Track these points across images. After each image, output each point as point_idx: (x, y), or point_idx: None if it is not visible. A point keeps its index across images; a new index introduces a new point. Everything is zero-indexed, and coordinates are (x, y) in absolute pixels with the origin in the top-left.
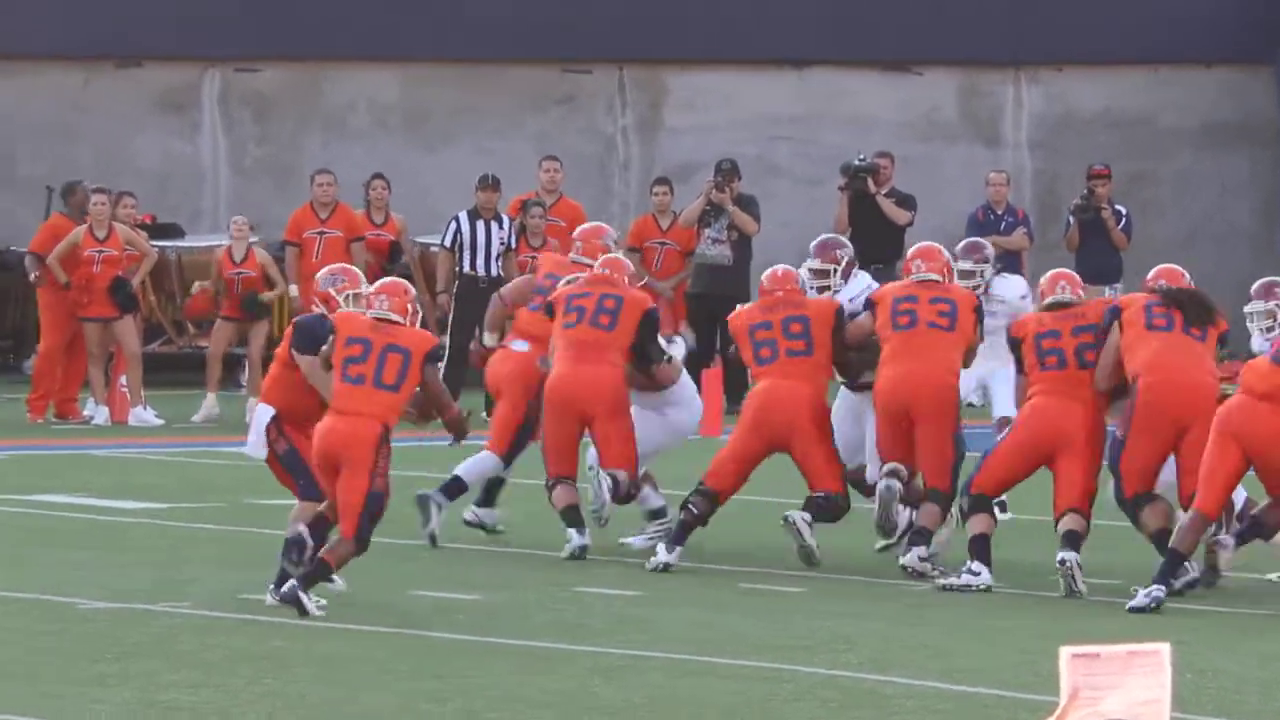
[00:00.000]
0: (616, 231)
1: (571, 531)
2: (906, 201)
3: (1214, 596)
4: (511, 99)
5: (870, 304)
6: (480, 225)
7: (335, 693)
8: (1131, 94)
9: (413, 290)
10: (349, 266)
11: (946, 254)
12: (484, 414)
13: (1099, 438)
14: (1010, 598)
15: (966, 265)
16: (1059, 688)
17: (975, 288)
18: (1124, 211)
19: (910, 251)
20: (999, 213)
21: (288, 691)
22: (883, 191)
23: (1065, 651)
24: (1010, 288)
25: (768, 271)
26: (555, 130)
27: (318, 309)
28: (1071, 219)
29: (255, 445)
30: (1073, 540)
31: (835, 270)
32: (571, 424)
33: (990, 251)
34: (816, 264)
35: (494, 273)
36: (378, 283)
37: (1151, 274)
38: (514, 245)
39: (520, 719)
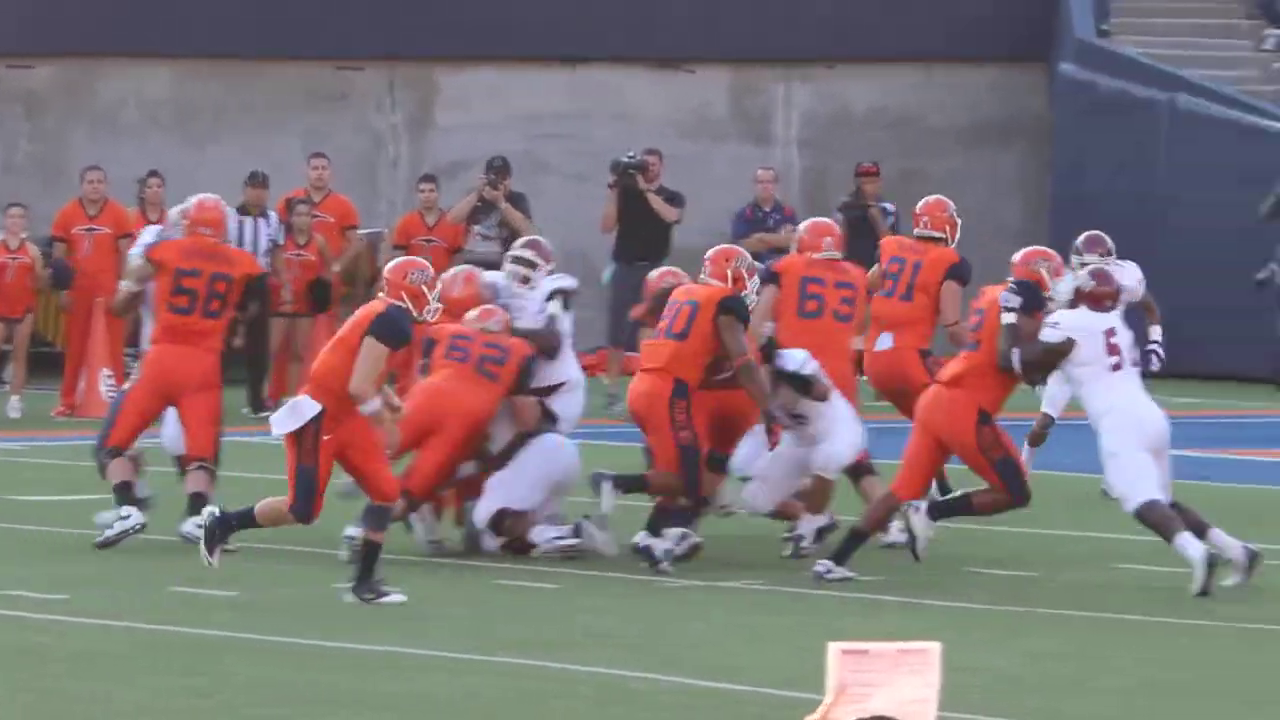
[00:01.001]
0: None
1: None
2: (675, 199)
3: (981, 594)
4: (283, 96)
5: (774, 275)
6: (248, 222)
7: (93, 687)
8: (902, 92)
9: None
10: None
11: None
12: None
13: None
14: (776, 595)
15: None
16: (825, 685)
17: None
18: (892, 209)
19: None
20: (766, 210)
21: (43, 686)
22: (652, 188)
23: (834, 647)
24: (1129, 275)
25: (656, 272)
26: (326, 127)
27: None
28: (840, 216)
29: (283, 421)
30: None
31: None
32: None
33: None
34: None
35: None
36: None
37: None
38: (281, 242)
39: (282, 715)
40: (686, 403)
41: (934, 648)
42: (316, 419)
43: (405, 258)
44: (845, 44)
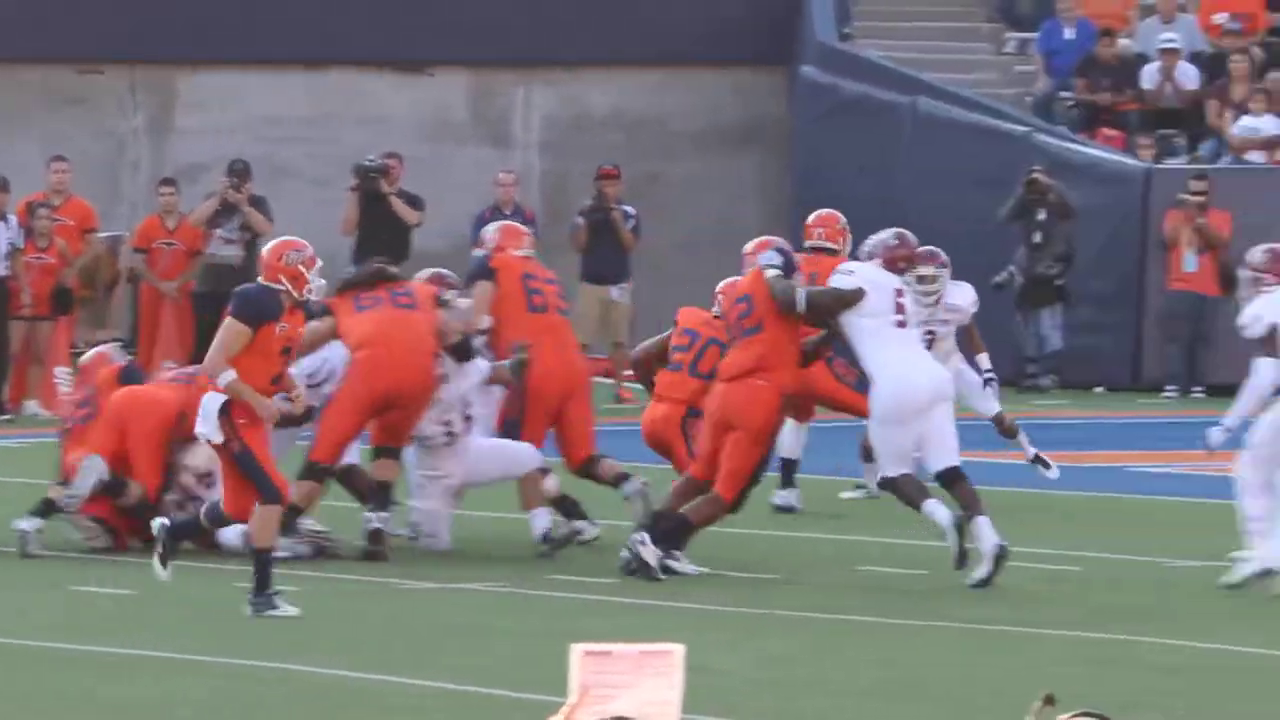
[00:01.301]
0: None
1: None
2: (415, 202)
3: (719, 596)
4: (23, 98)
5: (491, 271)
6: None
7: None
8: (642, 95)
9: None
10: None
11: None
12: None
13: None
14: (515, 597)
15: (927, 271)
16: (568, 686)
17: (935, 293)
18: (633, 212)
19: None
20: (507, 213)
21: None
22: (393, 191)
23: (577, 649)
24: (963, 295)
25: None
26: (67, 130)
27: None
28: (580, 220)
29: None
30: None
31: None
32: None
33: (946, 258)
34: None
35: (1, 273)
36: None
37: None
38: (21, 246)
39: (12, 718)
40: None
41: (677, 649)
42: (226, 409)
43: (283, 239)
44: (585, 47)
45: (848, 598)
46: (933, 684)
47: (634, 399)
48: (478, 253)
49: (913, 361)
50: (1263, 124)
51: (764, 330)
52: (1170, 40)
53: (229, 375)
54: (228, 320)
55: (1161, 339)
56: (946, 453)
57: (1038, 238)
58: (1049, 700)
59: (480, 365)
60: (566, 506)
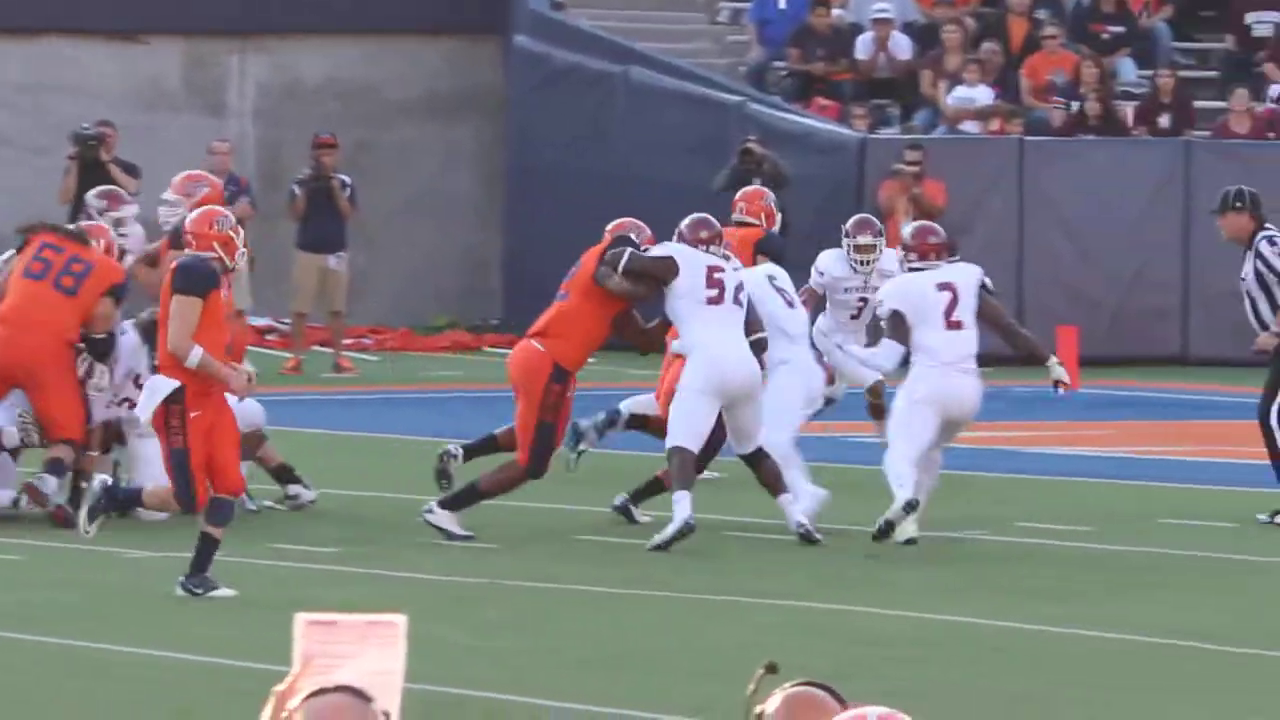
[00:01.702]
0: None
1: None
2: (131, 170)
3: (441, 566)
4: None
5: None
6: None
7: None
8: (356, 64)
9: None
10: None
11: None
12: None
13: None
14: (240, 566)
15: (864, 240)
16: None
17: (872, 261)
18: (349, 181)
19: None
20: (222, 182)
21: None
22: (110, 160)
23: (301, 618)
24: (890, 261)
25: None
26: None
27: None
28: (297, 189)
29: (145, 405)
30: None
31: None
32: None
33: (881, 226)
34: None
35: None
36: None
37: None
38: None
39: None
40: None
41: (400, 620)
42: (177, 396)
43: (205, 208)
44: (299, 16)
45: (568, 567)
46: (652, 653)
47: (353, 368)
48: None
49: (729, 345)
50: (976, 94)
51: (569, 299)
52: (883, 10)
53: (198, 353)
54: (179, 298)
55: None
56: (748, 440)
57: None
58: (771, 669)
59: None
60: (282, 473)
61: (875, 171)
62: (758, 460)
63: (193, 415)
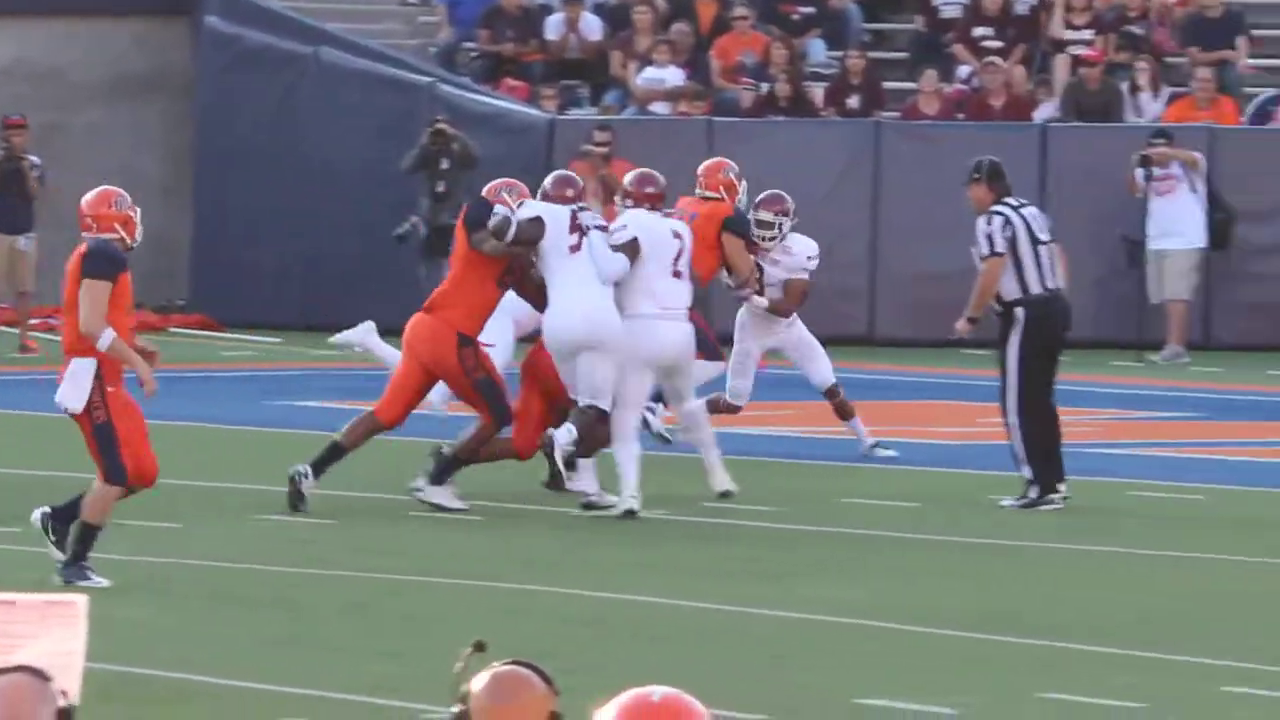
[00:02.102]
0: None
1: None
2: None
3: (120, 546)
4: None
5: None
6: None
7: None
8: (45, 46)
9: None
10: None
11: None
12: None
13: None
14: None
15: (765, 216)
16: None
17: (772, 239)
18: (39, 162)
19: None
20: None
21: None
22: None
23: None
24: (801, 247)
25: None
26: None
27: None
28: None
29: (72, 394)
30: None
31: None
32: None
33: (791, 205)
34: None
35: None
36: None
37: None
38: None
39: None
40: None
41: (80, 600)
42: (98, 376)
43: (101, 189)
44: None
45: (249, 546)
46: (340, 634)
47: (38, 349)
48: None
49: (577, 298)
50: (666, 75)
51: (452, 270)
52: None
53: (109, 336)
54: (89, 282)
55: None
56: (585, 392)
57: (441, 188)
58: (479, 647)
59: None
60: None
61: (564, 152)
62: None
63: (110, 391)
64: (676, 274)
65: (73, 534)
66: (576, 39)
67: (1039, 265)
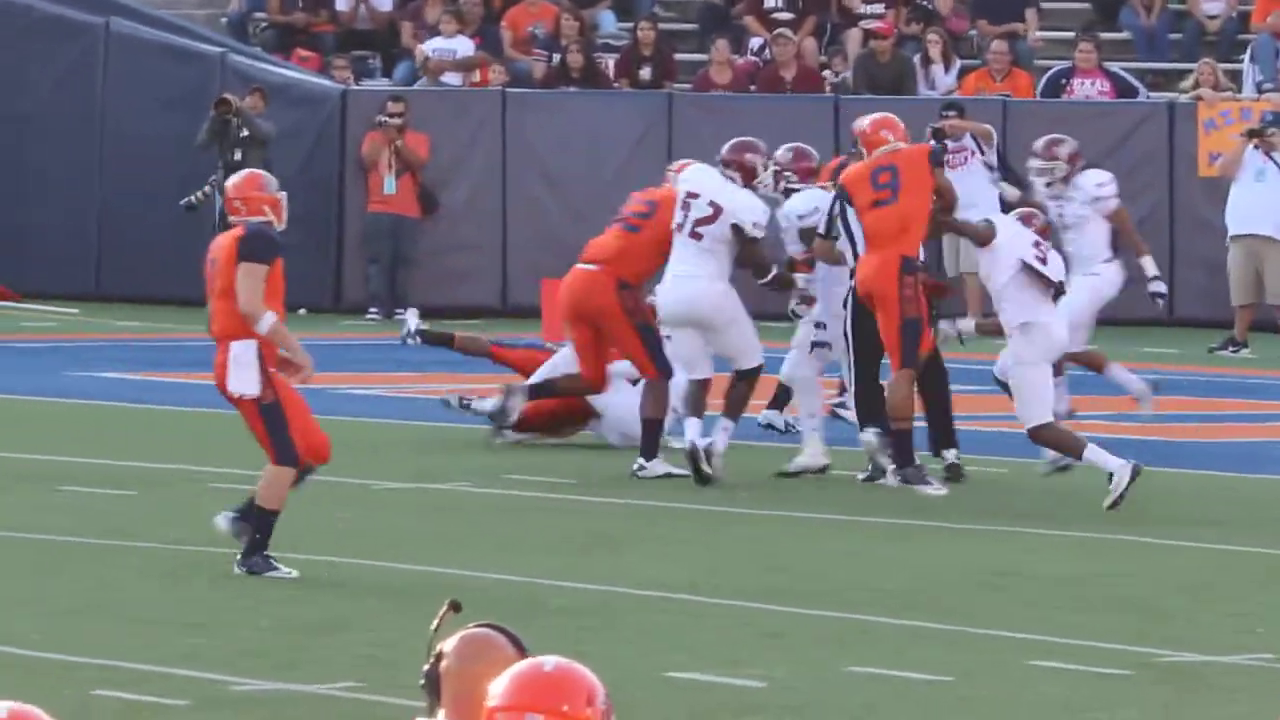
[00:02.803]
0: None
1: None
2: None
3: None
4: None
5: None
6: None
7: None
8: None
9: None
10: None
11: None
12: None
13: None
14: None
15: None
16: None
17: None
18: None
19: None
20: None
21: None
22: None
23: None
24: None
25: None
26: None
27: None
28: None
29: (244, 378)
30: None
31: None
32: None
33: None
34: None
35: None
36: None
37: None
38: None
39: None
40: None
41: None
42: (259, 355)
43: (248, 172)
44: None
45: (53, 517)
46: (138, 603)
47: None
48: None
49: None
50: (455, 45)
51: (640, 233)
52: None
53: (271, 318)
54: (248, 265)
55: (363, 261)
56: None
57: (237, 156)
58: (455, 607)
59: None
60: None
61: (358, 123)
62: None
63: (272, 371)
64: None
65: (252, 524)
66: (367, 9)
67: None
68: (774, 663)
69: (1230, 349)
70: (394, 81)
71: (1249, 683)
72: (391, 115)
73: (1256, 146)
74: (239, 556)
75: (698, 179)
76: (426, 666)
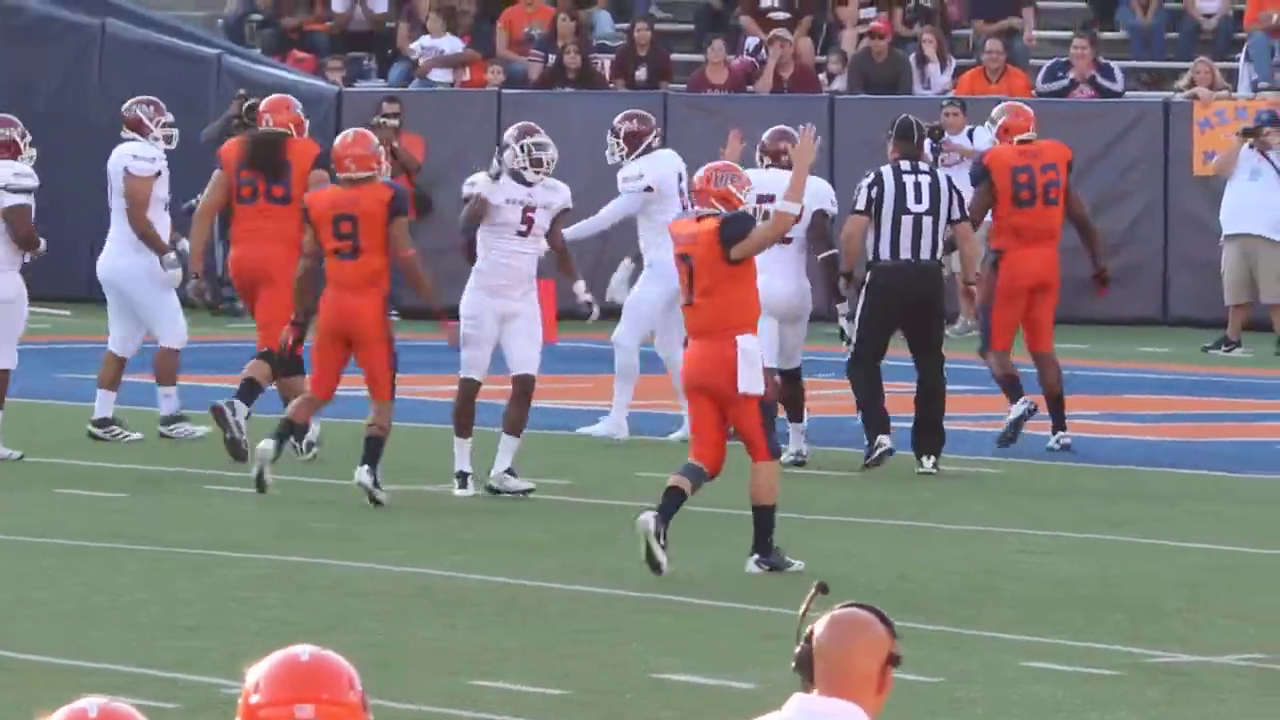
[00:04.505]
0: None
1: None
2: None
3: None
4: None
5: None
6: None
7: None
8: None
9: None
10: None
11: None
12: None
13: None
14: None
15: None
16: None
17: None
18: None
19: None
20: None
21: None
22: None
23: None
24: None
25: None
26: None
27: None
28: None
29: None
30: None
31: None
32: None
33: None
34: None
35: None
36: None
37: None
38: None
39: None
40: None
41: None
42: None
43: (357, 131)
44: None
45: (50, 522)
46: (130, 606)
47: None
48: None
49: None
50: (443, 44)
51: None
52: None
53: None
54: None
55: None
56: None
57: None
58: (823, 589)
59: None
60: None
61: (353, 124)
62: None
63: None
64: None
65: (759, 525)
66: (363, 10)
67: (895, 233)
68: (766, 663)
69: (1224, 348)
70: (389, 83)
71: (1241, 683)
72: (387, 116)
73: (1251, 146)
74: (756, 556)
75: (766, 181)
76: (797, 649)
